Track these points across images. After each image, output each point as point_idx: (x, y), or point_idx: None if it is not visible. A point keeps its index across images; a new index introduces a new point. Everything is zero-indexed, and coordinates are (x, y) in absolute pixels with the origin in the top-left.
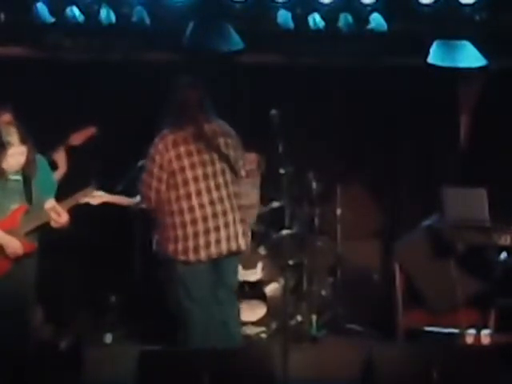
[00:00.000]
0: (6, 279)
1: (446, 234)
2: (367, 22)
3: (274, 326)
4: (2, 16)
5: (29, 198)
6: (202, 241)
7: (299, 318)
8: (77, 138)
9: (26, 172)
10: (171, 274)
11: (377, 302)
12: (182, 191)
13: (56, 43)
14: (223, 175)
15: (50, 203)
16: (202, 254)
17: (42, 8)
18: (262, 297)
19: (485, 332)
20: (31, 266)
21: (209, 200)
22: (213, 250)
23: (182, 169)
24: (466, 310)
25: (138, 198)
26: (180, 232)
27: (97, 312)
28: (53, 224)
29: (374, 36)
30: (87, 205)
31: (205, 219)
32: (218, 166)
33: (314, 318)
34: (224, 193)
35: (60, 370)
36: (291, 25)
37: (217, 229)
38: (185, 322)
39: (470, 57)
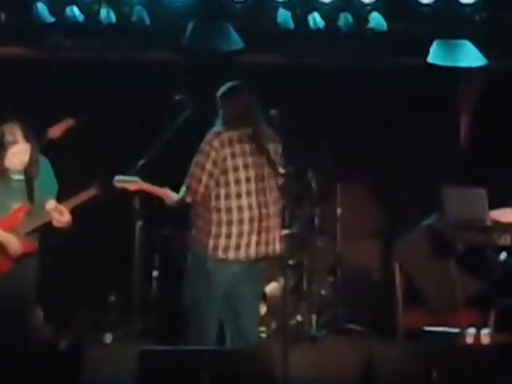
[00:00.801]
0: (7, 279)
1: (445, 233)
2: (367, 21)
3: (273, 325)
4: (2, 16)
5: (30, 197)
6: (244, 241)
7: (299, 317)
8: (55, 131)
9: (29, 172)
10: (200, 270)
11: (377, 302)
12: (233, 190)
13: (56, 43)
14: (269, 180)
15: (51, 204)
16: (242, 254)
17: (42, 8)
18: (262, 296)
19: (485, 331)
20: (31, 265)
21: (257, 202)
22: (252, 251)
23: (236, 168)
24: (466, 310)
25: (172, 193)
26: (224, 229)
27: (97, 312)
28: (55, 223)
29: (374, 36)
30: (125, 191)
31: (251, 220)
32: (267, 169)
33: (314, 317)
34: (269, 197)
35: (60, 369)
36: (291, 24)
37: (259, 231)
38: (199, 318)
39: (470, 56)
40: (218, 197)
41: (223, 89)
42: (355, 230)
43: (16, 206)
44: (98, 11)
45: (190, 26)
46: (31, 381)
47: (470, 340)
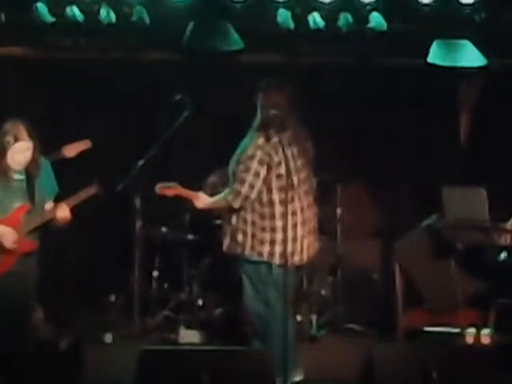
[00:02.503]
0: (7, 278)
1: (445, 233)
2: (367, 21)
3: None
4: (2, 16)
5: (31, 197)
6: (298, 245)
7: (299, 317)
8: (71, 151)
9: (30, 171)
10: (264, 276)
11: (377, 302)
12: (286, 195)
13: (56, 43)
14: (307, 182)
15: (49, 205)
16: (296, 259)
17: (42, 8)
18: None
19: (485, 332)
20: (32, 265)
21: (307, 204)
22: (305, 254)
23: (289, 172)
24: (466, 310)
25: (206, 197)
26: (279, 235)
27: (97, 312)
28: (58, 220)
29: (374, 36)
30: (163, 196)
31: (303, 223)
32: (306, 172)
33: (314, 317)
34: (311, 199)
35: (60, 369)
36: (291, 24)
37: (310, 234)
38: (272, 321)
39: (469, 56)
40: (271, 202)
41: (267, 82)
42: (355, 229)
43: (17, 205)
44: (98, 11)
45: (190, 26)
46: (31, 381)
47: (470, 340)
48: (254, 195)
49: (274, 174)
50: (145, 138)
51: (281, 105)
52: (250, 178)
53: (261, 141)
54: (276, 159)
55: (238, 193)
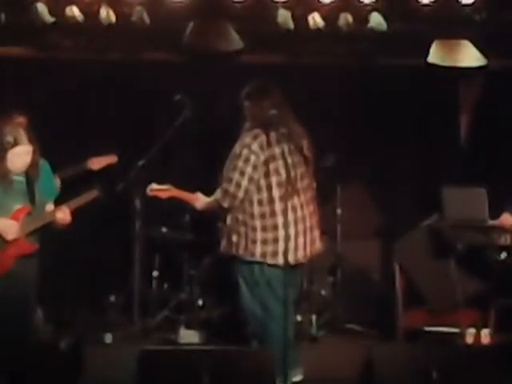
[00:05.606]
0: (8, 279)
1: (445, 233)
2: (367, 21)
3: None
4: (2, 16)
5: (32, 199)
6: (292, 244)
7: (299, 317)
8: (96, 163)
9: (30, 174)
10: (257, 277)
11: (377, 302)
12: (275, 193)
13: (56, 43)
14: (304, 179)
15: (50, 207)
16: (291, 258)
17: (41, 8)
18: None
19: (485, 332)
20: (33, 266)
21: (299, 203)
22: (300, 253)
23: (277, 170)
24: (466, 310)
25: (203, 198)
26: (271, 235)
27: (97, 312)
28: (58, 222)
29: (374, 36)
30: (156, 198)
31: (296, 222)
32: (302, 169)
33: (314, 317)
34: (308, 196)
35: (60, 369)
36: (291, 24)
37: (305, 232)
38: (269, 322)
39: (469, 56)
40: (260, 202)
41: (251, 89)
42: (355, 229)
43: (17, 206)
44: (98, 11)
45: (190, 26)
46: (31, 381)
47: (470, 340)
48: (241, 194)
49: (262, 173)
50: (145, 138)
51: (267, 107)
52: (236, 176)
53: (247, 140)
54: (262, 158)
55: (225, 191)
